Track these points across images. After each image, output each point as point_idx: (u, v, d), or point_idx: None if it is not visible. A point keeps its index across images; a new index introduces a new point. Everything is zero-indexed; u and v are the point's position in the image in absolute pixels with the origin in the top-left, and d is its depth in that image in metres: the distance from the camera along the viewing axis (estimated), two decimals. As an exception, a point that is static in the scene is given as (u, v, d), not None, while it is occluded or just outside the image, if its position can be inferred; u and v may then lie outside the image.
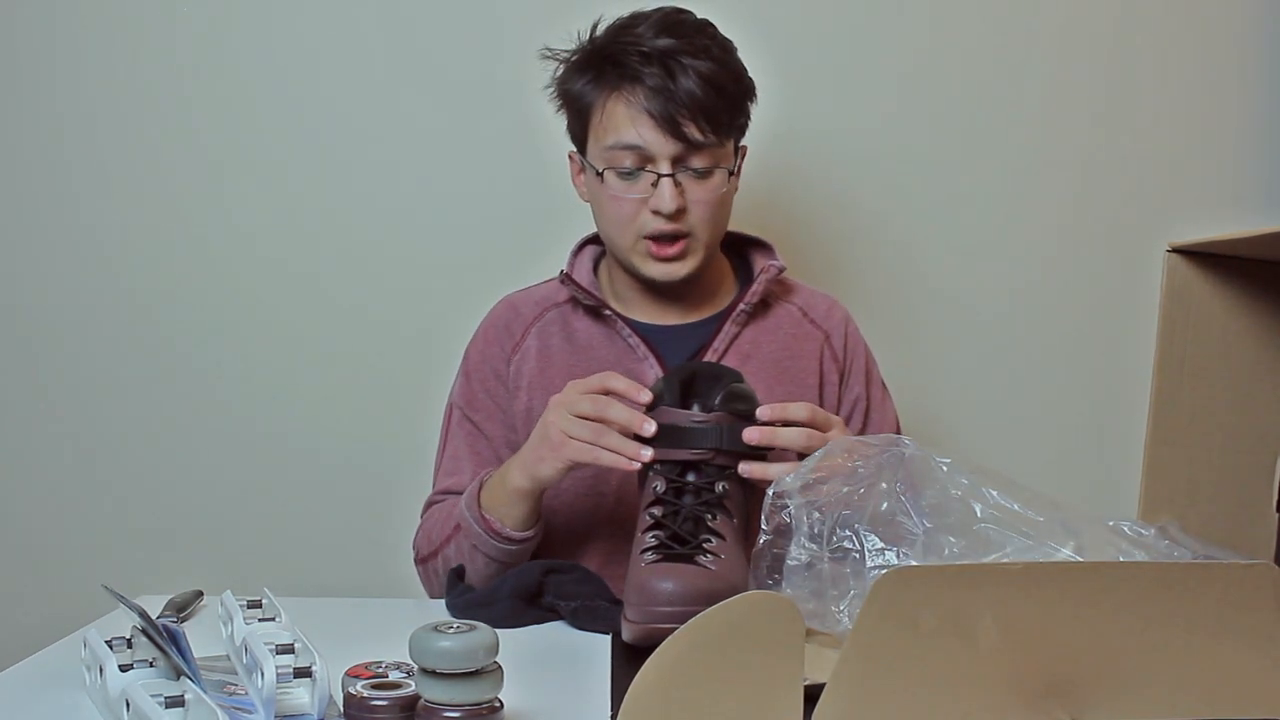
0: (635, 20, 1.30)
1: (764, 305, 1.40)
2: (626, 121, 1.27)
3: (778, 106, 1.78)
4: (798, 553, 0.97)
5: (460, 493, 1.34)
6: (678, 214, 1.28)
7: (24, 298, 1.81)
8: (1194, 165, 1.81)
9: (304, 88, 1.78)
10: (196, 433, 1.82)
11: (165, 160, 1.79)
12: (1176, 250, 1.74)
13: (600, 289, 1.40)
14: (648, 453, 1.09)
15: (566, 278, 1.37)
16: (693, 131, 1.26)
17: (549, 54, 1.36)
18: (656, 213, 1.28)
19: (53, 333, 1.81)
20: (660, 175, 1.27)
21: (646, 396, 1.12)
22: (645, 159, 1.28)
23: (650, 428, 1.09)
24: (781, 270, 1.39)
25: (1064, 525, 0.93)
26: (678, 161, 1.28)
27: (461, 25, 1.78)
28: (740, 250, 1.45)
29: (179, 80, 1.78)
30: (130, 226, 1.80)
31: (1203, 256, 1.73)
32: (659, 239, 1.30)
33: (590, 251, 1.43)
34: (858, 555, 0.96)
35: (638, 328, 1.36)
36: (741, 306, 1.36)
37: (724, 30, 1.34)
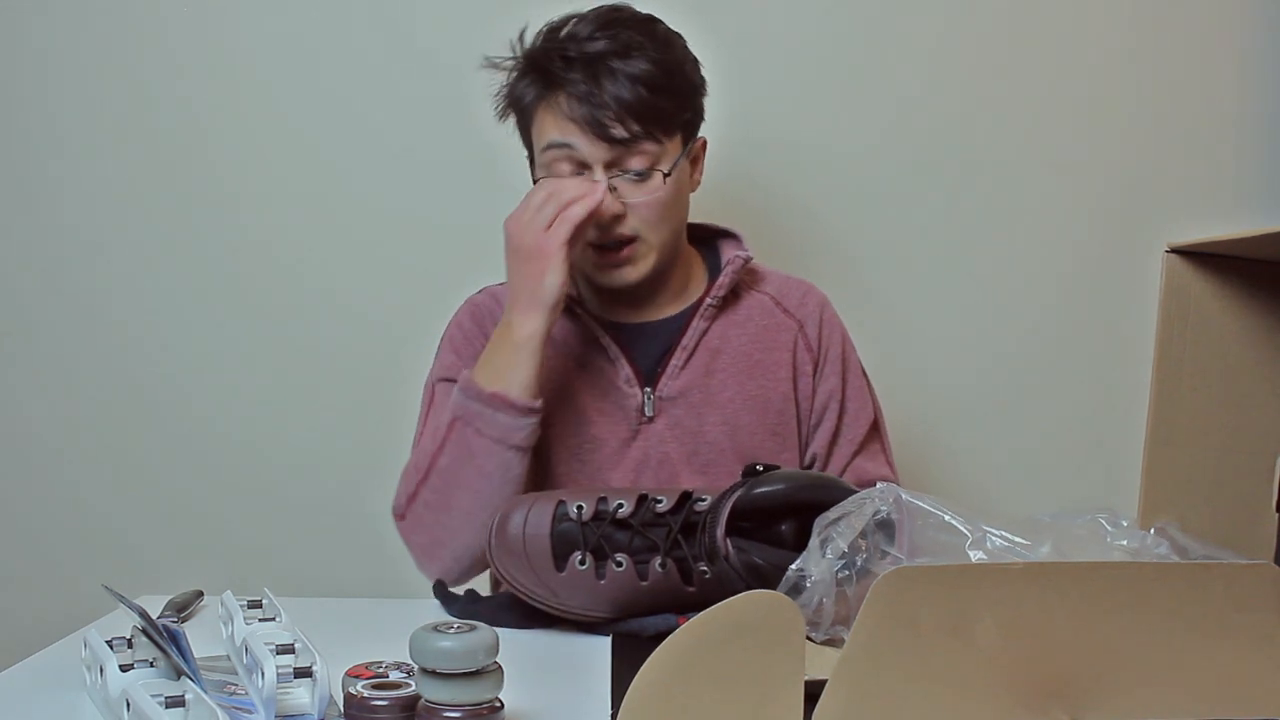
0: (566, 21, 1.29)
1: (734, 296, 1.38)
2: (554, 128, 1.26)
3: (775, 104, 1.79)
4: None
5: None
6: (616, 220, 1.27)
7: (24, 298, 1.81)
8: (1194, 165, 1.81)
9: (282, 85, 1.79)
10: (197, 433, 1.82)
11: (157, 167, 1.79)
12: (1175, 250, 1.74)
13: (576, 286, 1.39)
14: (599, 194, 1.21)
15: None
16: (620, 131, 1.25)
17: (490, 63, 1.34)
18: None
19: (52, 333, 1.81)
20: (593, 181, 1.26)
21: (599, 194, 1.21)
22: (580, 164, 1.27)
23: (597, 197, 1.19)
24: (748, 260, 1.36)
25: (1054, 548, 0.93)
26: (612, 165, 1.26)
27: (446, 22, 1.78)
28: (710, 242, 1.43)
29: (156, 76, 1.79)
30: (130, 228, 1.80)
31: (1202, 256, 1.73)
32: (602, 247, 1.29)
33: None
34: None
35: (610, 326, 1.35)
36: (708, 300, 1.35)
37: (697, 28, 1.32)
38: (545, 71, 1.27)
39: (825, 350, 1.40)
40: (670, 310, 1.38)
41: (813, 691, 0.69)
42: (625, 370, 1.34)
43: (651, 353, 1.36)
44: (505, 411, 1.21)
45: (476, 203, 1.79)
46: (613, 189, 1.27)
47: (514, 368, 1.22)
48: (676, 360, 1.34)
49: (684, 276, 1.39)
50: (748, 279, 1.40)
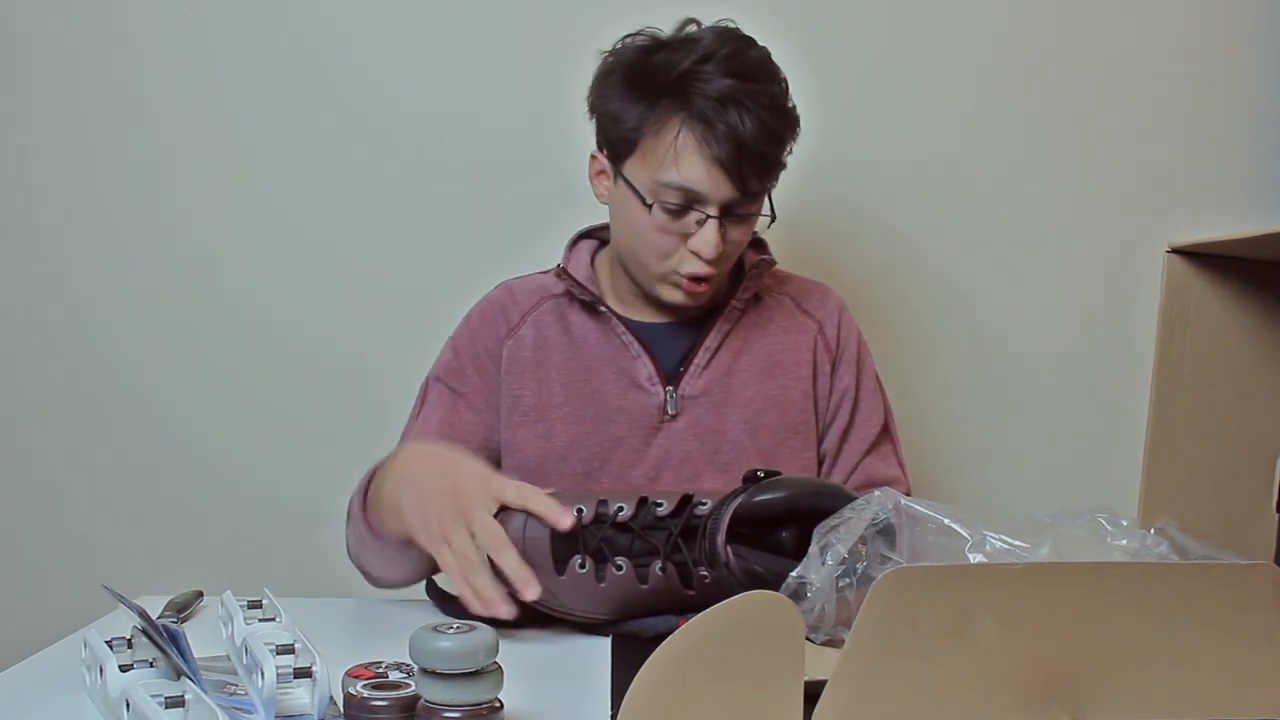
0: (701, 54, 1.25)
1: (756, 299, 1.41)
2: (694, 163, 1.25)
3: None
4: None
5: None
6: (715, 258, 1.29)
7: (23, 297, 1.81)
8: (1194, 165, 1.81)
9: (309, 70, 1.79)
10: (197, 433, 1.82)
11: (156, 170, 1.79)
12: (1176, 250, 1.75)
13: (597, 284, 1.40)
14: (505, 613, 1.02)
15: (563, 272, 1.37)
16: (753, 183, 1.27)
17: (607, 54, 1.32)
18: (696, 254, 1.28)
19: (52, 332, 1.81)
20: (709, 217, 1.27)
21: (567, 523, 1.05)
22: (695, 200, 1.27)
23: (533, 593, 1.02)
24: (772, 264, 1.40)
25: (1054, 549, 0.93)
26: (727, 207, 1.27)
27: (468, 15, 1.78)
28: None
29: (155, 76, 1.79)
30: (127, 233, 1.80)
31: (1202, 257, 1.73)
32: (693, 277, 1.30)
33: (587, 245, 1.43)
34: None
35: (632, 325, 1.37)
36: (733, 303, 1.37)
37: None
38: (688, 103, 1.24)
39: (842, 351, 1.42)
40: (691, 313, 1.38)
41: (813, 691, 0.69)
42: (648, 368, 1.35)
43: (674, 352, 1.37)
44: (379, 540, 1.20)
45: (476, 206, 1.79)
46: (721, 226, 1.27)
47: (389, 518, 1.17)
48: (699, 360, 1.36)
49: None
50: (770, 282, 1.43)
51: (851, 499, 1.05)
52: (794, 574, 0.99)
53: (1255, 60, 1.81)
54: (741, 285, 1.38)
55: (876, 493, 1.01)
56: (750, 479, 1.08)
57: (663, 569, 1.06)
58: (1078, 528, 0.97)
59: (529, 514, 1.08)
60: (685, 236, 1.28)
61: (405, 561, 1.20)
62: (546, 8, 1.75)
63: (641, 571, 1.06)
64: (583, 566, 1.06)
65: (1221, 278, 1.72)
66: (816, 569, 0.98)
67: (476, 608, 1.04)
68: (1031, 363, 1.84)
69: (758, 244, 1.43)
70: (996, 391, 1.84)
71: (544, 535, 1.07)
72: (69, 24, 1.77)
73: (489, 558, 1.05)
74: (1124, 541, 0.95)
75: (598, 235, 1.44)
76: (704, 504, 1.07)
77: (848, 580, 0.98)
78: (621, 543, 1.07)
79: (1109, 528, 0.97)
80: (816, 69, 1.77)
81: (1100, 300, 1.83)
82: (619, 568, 1.06)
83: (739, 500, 1.05)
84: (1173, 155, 1.81)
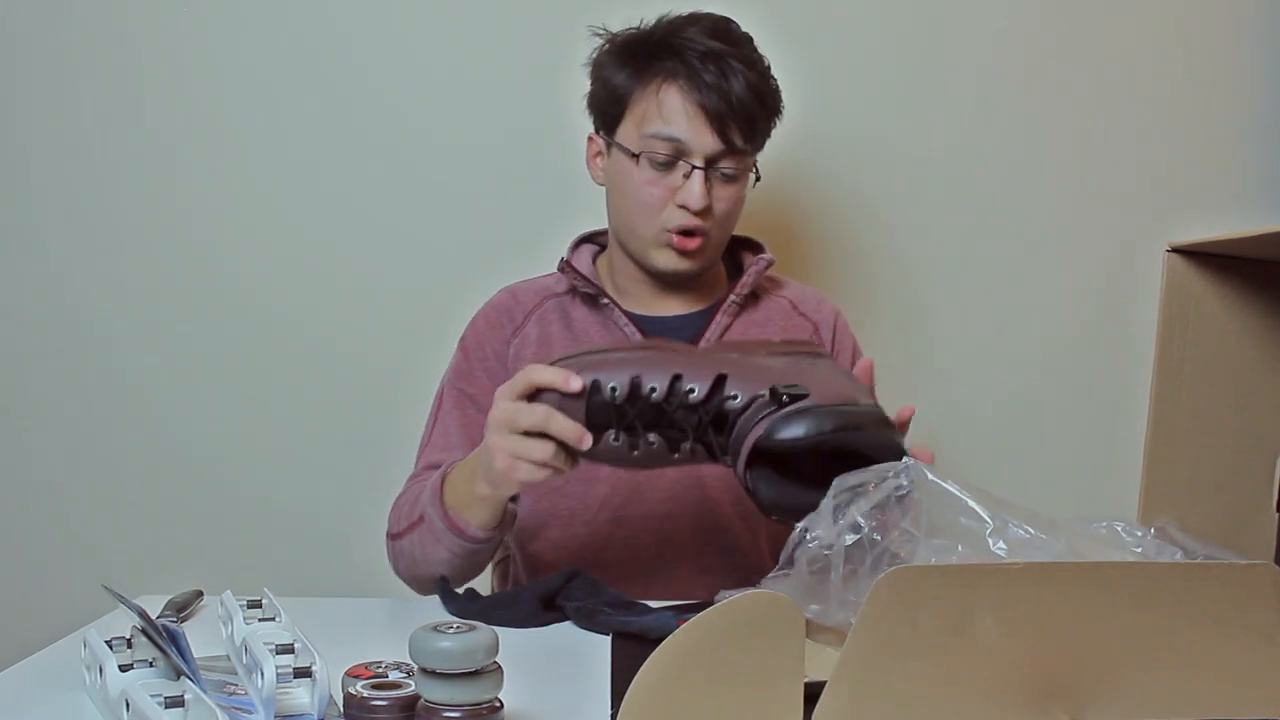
0: (686, 22, 1.33)
1: (754, 299, 1.44)
2: (678, 112, 1.30)
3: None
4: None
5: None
6: (703, 211, 1.31)
7: (23, 297, 1.81)
8: (1194, 165, 1.81)
9: (309, 70, 1.79)
10: (197, 433, 1.82)
11: (164, 154, 1.79)
12: (1176, 250, 1.75)
13: (599, 280, 1.42)
14: (587, 441, 1.07)
15: (567, 266, 1.40)
16: (735, 136, 1.30)
17: (599, 31, 1.38)
18: (683, 207, 1.31)
19: (52, 332, 1.81)
20: (694, 168, 1.30)
21: (576, 385, 1.06)
22: (681, 152, 1.31)
23: (587, 441, 1.07)
24: (771, 263, 1.42)
25: (1070, 548, 0.92)
26: (711, 162, 1.31)
27: (468, 15, 1.78)
28: (730, 249, 1.48)
29: (152, 75, 1.78)
30: (130, 225, 1.80)
31: (1202, 256, 1.73)
32: (682, 232, 1.33)
33: (588, 248, 1.46)
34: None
35: (634, 318, 1.39)
36: (732, 297, 1.40)
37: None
38: (676, 56, 1.30)
39: (838, 355, 1.44)
40: (692, 307, 1.42)
41: (813, 692, 0.69)
42: None
43: None
44: (461, 538, 1.22)
45: (476, 207, 1.79)
46: (707, 180, 1.31)
47: (473, 508, 1.20)
48: None
49: (709, 275, 1.44)
50: (768, 284, 1.46)
51: (882, 428, 1.06)
52: (800, 526, 0.98)
53: (1255, 60, 1.81)
54: (740, 281, 1.40)
55: (906, 460, 0.99)
56: (774, 396, 1.07)
57: (692, 451, 1.09)
58: (1094, 530, 0.97)
59: (549, 390, 1.08)
60: (673, 191, 1.31)
61: (488, 552, 1.24)
62: (546, 8, 1.76)
63: (672, 445, 1.09)
64: (616, 439, 1.09)
65: (1221, 278, 1.72)
66: (826, 527, 0.96)
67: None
68: (1031, 362, 1.84)
69: (755, 246, 1.46)
70: (996, 391, 1.84)
71: (579, 410, 1.08)
72: (69, 24, 1.78)
73: (545, 435, 1.07)
74: (1139, 550, 0.94)
75: (598, 240, 1.47)
76: (735, 397, 1.08)
77: (857, 541, 0.96)
78: (654, 419, 1.09)
79: (1126, 536, 0.97)
80: (816, 68, 1.77)
81: (1100, 300, 1.83)
82: (650, 442, 1.09)
83: (761, 427, 1.05)
84: (1173, 155, 1.81)
